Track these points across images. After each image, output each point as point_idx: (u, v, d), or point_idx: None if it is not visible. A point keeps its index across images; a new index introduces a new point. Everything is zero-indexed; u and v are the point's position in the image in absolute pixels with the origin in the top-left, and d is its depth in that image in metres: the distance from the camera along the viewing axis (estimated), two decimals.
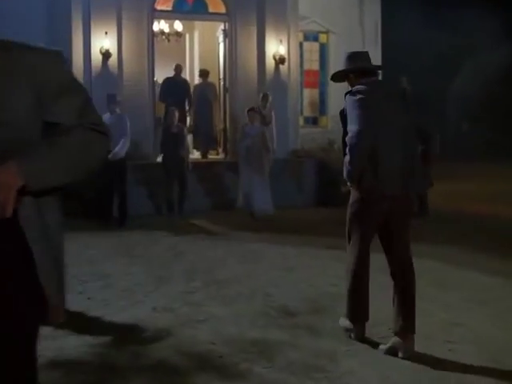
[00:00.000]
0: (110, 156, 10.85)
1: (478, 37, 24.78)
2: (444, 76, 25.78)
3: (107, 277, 8.15)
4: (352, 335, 5.62)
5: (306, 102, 19.20)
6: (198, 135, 16.21)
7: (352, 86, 5.52)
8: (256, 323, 6.12)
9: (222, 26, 16.45)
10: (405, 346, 5.21)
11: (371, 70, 5.63)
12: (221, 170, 14.75)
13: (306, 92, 19.10)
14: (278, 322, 6.18)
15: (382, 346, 5.38)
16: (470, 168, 21.86)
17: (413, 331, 5.28)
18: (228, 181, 14.31)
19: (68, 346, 5.57)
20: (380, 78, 6.08)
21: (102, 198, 12.31)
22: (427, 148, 6.54)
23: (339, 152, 15.55)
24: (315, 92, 19.45)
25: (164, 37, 17.77)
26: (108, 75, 14.45)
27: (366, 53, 5.74)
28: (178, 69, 16.25)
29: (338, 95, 18.31)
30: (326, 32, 19.28)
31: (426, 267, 8.38)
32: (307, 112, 19.16)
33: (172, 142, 12.87)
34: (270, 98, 14.67)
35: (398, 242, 5.41)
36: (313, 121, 19.35)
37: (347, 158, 5.31)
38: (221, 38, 16.69)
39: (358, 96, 5.28)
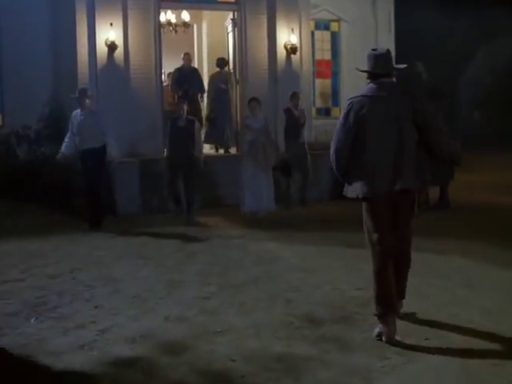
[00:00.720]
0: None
1: (495, 24, 24.17)
2: (458, 64, 25.14)
3: (116, 281, 7.65)
4: (384, 338, 5.44)
5: (317, 92, 18.58)
6: (215, 126, 15.47)
7: None
8: (278, 335, 5.60)
9: (230, 15, 15.87)
10: (386, 330, 5.42)
11: (379, 74, 5.79)
12: (232, 165, 14.21)
13: (318, 82, 18.48)
14: (302, 333, 5.65)
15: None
16: (484, 158, 21.17)
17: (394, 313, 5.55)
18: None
19: (74, 363, 5.07)
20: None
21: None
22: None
23: None
24: (327, 82, 18.87)
25: (171, 28, 17.24)
26: (114, 68, 13.90)
27: (387, 53, 5.91)
28: (186, 57, 15.63)
29: (351, 86, 18.17)
30: (338, 20, 18.70)
31: (454, 266, 7.91)
32: (319, 103, 18.56)
33: (180, 137, 11.68)
34: (301, 96, 13.82)
35: (402, 225, 5.76)
36: (325, 112, 18.77)
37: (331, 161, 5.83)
38: (230, 28, 16.12)
39: (347, 107, 5.74)
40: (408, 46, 20.31)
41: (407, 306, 5.98)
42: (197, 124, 12.03)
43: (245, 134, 11.99)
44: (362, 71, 5.90)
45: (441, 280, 7.29)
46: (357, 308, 6.29)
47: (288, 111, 13.45)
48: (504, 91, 25.63)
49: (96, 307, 6.60)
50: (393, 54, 6.12)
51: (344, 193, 5.80)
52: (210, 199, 13.10)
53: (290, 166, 12.99)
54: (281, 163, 12.57)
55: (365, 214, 5.70)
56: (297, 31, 15.50)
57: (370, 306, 5.86)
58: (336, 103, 18.87)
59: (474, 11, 23.16)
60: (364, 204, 5.68)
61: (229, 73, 15.77)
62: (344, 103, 18.38)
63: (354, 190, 5.63)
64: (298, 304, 6.49)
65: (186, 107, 12.03)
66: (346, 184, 5.76)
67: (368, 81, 5.85)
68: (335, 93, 18.88)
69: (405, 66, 6.07)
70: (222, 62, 15.58)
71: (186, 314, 6.27)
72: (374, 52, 5.90)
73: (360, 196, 5.60)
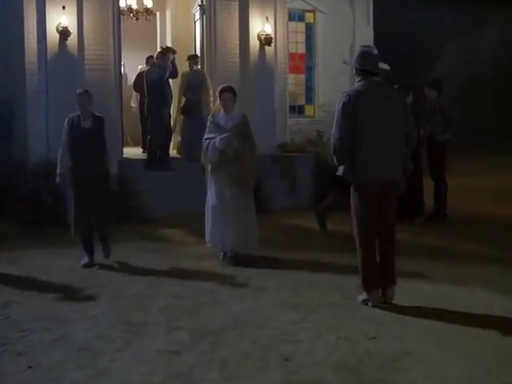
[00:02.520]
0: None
1: (478, 16, 23.05)
2: (431, 57, 23.91)
3: (59, 323, 6.04)
4: (369, 303, 6.29)
5: (290, 88, 17.00)
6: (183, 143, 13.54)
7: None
8: None
9: (198, 1, 14.32)
10: (372, 298, 6.31)
11: (369, 71, 6.32)
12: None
13: (291, 78, 16.83)
14: None
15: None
16: (466, 160, 19.81)
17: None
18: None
19: None
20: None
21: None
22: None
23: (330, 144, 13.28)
24: (301, 78, 17.31)
25: (132, 15, 15.61)
26: (67, 57, 12.23)
27: (374, 53, 6.39)
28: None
29: (326, 82, 16.65)
30: (313, 11, 17.13)
31: (482, 304, 6.42)
32: (292, 100, 16.96)
33: (84, 143, 8.27)
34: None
35: (387, 214, 6.39)
36: (298, 110, 17.22)
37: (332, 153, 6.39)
38: (197, 15, 14.56)
39: (344, 99, 6.21)
40: (387, 38, 18.95)
41: None
42: (104, 124, 8.48)
43: (210, 140, 8.43)
44: (359, 68, 6.36)
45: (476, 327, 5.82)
46: (377, 371, 4.76)
47: None
48: (481, 86, 24.43)
49: (30, 367, 4.98)
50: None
51: (342, 174, 6.23)
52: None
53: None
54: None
55: (355, 199, 6.31)
56: (272, 20, 14.02)
57: (393, 367, 4.46)
58: (310, 100, 17.35)
59: (456, 3, 21.95)
60: (355, 191, 6.29)
61: (203, 73, 13.80)
62: (319, 100, 17.07)
63: (351, 175, 6.22)
64: (299, 364, 4.94)
65: (91, 100, 8.71)
66: (343, 169, 6.21)
67: (358, 78, 6.35)
68: (309, 89, 17.36)
69: (387, 66, 6.61)
70: (195, 60, 13.72)
71: (150, 381, 4.70)
72: (368, 49, 6.45)
73: (355, 181, 6.24)
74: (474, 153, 18.87)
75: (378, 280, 6.32)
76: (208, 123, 8.60)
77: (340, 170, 6.23)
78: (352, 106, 6.14)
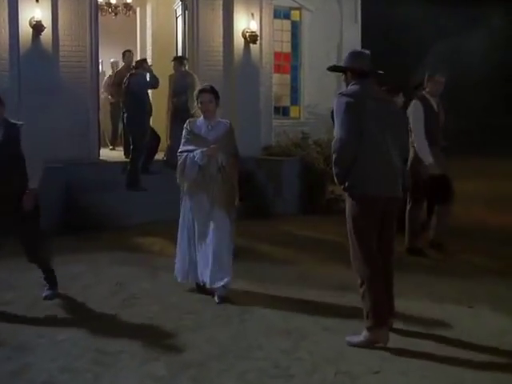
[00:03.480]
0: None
1: (465, 15, 22.60)
2: (419, 56, 23.44)
3: (22, 350, 5.37)
4: (380, 341, 5.32)
5: (275, 89, 16.37)
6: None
7: (347, 83, 5.71)
8: None
9: None
10: (380, 337, 5.31)
11: (367, 72, 5.65)
12: None
13: (276, 78, 16.17)
14: None
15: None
16: (452, 162, 19.27)
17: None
18: None
19: None
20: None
21: None
22: None
23: (316, 147, 12.65)
24: (286, 78, 16.70)
25: (110, 10, 14.92)
26: (40, 53, 11.54)
27: (369, 54, 5.77)
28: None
29: (312, 82, 16.04)
30: (299, 8, 16.55)
31: (494, 330, 5.82)
32: (277, 101, 16.31)
33: None
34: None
35: (389, 236, 5.63)
36: (283, 112, 16.60)
37: (333, 160, 5.53)
38: (179, 11, 13.90)
39: (346, 99, 5.45)
40: (375, 38, 18.41)
41: None
42: (21, 130, 6.68)
43: (186, 152, 6.87)
44: (353, 69, 5.66)
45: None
46: None
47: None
48: (468, 86, 23.99)
49: None
50: (359, 45, 5.78)
51: (343, 187, 5.54)
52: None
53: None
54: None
55: (355, 215, 5.47)
56: (257, 17, 13.39)
57: None
58: (296, 101, 16.76)
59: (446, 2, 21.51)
60: (357, 205, 5.45)
61: (191, 74, 12.68)
62: (305, 101, 16.47)
63: (355, 187, 5.46)
64: None
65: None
66: (348, 181, 5.49)
67: (353, 81, 5.65)
68: (295, 90, 16.76)
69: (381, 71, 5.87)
70: (180, 61, 12.94)
71: None
72: (362, 50, 5.90)
73: (358, 194, 5.45)
74: (460, 155, 18.31)
75: (387, 313, 5.46)
76: (184, 132, 6.89)
77: (349, 186, 5.47)
78: (356, 107, 5.39)
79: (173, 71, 12.78)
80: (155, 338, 5.66)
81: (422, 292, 6.92)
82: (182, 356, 5.22)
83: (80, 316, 6.32)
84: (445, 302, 6.57)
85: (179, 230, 7.03)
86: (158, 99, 13.35)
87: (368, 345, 5.29)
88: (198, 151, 6.72)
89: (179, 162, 6.86)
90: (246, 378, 4.78)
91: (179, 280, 7.03)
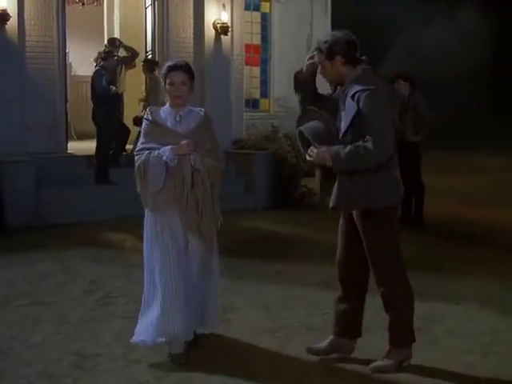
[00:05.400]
0: None
1: (435, 10, 22.63)
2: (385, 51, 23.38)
3: None
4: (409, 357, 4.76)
5: (245, 81, 16.18)
6: None
7: (333, 73, 4.72)
8: None
9: None
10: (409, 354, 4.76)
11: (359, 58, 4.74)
12: None
13: (246, 70, 15.97)
14: None
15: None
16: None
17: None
18: None
19: None
20: None
21: None
22: None
23: (286, 140, 12.44)
24: (256, 70, 16.51)
25: (78, 0, 14.60)
26: (5, 44, 11.21)
27: None
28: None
29: (282, 75, 15.86)
30: (269, 0, 16.37)
31: (484, 326, 5.68)
32: (247, 94, 16.12)
33: None
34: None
35: None
36: (253, 104, 16.40)
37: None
38: (148, 1, 13.66)
39: (380, 93, 4.56)
40: (345, 30, 18.28)
41: None
42: None
43: (143, 149, 4.99)
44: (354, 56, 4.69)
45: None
46: None
47: None
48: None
49: None
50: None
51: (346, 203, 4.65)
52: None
53: None
54: None
55: (382, 231, 4.65)
56: (228, 8, 13.20)
57: None
58: (265, 94, 16.59)
59: None
60: (383, 219, 4.63)
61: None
62: (275, 94, 16.28)
63: (376, 197, 4.58)
64: None
65: None
66: (349, 185, 4.59)
67: (359, 70, 4.65)
68: (264, 82, 16.58)
69: None
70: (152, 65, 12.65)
71: None
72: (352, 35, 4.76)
73: (384, 205, 4.62)
74: (431, 150, 18.31)
75: None
76: (143, 124, 5.10)
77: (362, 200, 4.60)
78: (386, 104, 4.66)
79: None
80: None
81: None
82: (165, 358, 4.99)
83: (54, 317, 6.05)
84: (430, 299, 6.41)
85: (146, 270, 5.12)
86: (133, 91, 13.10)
87: (400, 365, 4.75)
88: (166, 148, 4.86)
89: (138, 164, 4.93)
90: (232, 382, 4.57)
91: (156, 341, 5.03)
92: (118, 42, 12.41)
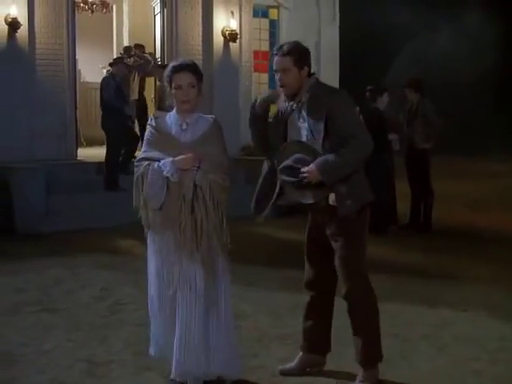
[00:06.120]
0: None
1: (441, 17, 22.61)
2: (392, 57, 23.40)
3: (7, 362, 5.15)
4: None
5: (253, 88, 16.26)
6: None
7: (297, 82, 4.53)
8: None
9: None
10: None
11: None
12: None
13: (254, 77, 16.07)
14: None
15: None
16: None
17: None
18: None
19: None
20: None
21: None
22: None
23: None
24: (264, 77, 16.55)
25: (87, 7, 14.70)
26: (16, 51, 11.43)
27: None
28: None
29: None
30: (277, 7, 16.45)
31: (493, 334, 5.71)
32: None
33: None
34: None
35: None
36: None
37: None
38: (157, 9, 13.76)
39: (347, 97, 4.60)
40: (353, 37, 18.37)
41: None
42: None
43: (143, 159, 4.50)
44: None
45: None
46: None
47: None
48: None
49: None
50: (337, 45, 4.90)
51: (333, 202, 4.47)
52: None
53: None
54: None
55: (363, 230, 4.62)
56: (237, 15, 13.29)
57: None
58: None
59: (423, 1, 21.49)
60: (363, 217, 4.59)
61: None
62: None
63: (363, 195, 4.55)
64: None
65: None
66: (346, 189, 4.44)
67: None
68: (273, 89, 16.60)
69: None
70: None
71: None
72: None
73: (362, 204, 4.55)
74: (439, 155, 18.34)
75: None
76: (147, 131, 4.62)
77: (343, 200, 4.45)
78: None
79: None
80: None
81: (414, 296, 6.80)
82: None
83: (65, 323, 6.11)
84: (438, 306, 6.44)
85: (149, 298, 4.67)
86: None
87: None
88: (167, 161, 4.36)
89: (136, 175, 4.47)
90: None
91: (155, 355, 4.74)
92: (132, 51, 12.47)
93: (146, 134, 4.63)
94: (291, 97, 4.55)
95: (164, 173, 4.32)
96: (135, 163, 4.51)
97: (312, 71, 4.63)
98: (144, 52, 13.29)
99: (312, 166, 4.38)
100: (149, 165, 4.38)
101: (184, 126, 4.48)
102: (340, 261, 4.56)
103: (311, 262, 4.86)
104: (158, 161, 4.37)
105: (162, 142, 4.46)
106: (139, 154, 4.61)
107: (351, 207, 4.46)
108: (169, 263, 4.42)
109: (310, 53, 4.65)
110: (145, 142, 4.58)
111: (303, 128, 4.52)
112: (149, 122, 4.62)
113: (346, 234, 4.52)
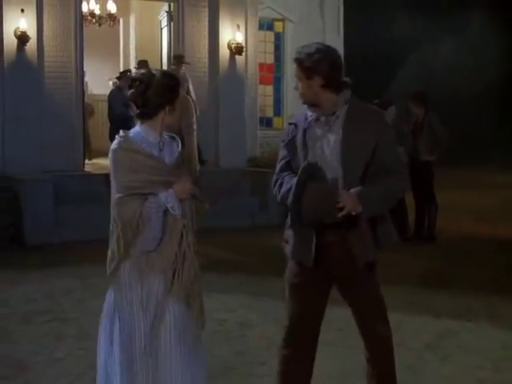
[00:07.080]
0: None
1: (447, 27, 22.77)
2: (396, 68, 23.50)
3: (22, 368, 5.28)
4: None
5: (259, 100, 16.39)
6: None
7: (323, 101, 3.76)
8: None
9: (165, 7, 13.62)
10: None
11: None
12: None
13: (259, 89, 16.22)
14: None
15: None
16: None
17: None
18: None
19: None
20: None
21: None
22: None
23: None
24: (269, 89, 16.73)
25: (94, 20, 14.85)
26: (25, 64, 11.54)
27: None
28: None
29: (295, 93, 16.05)
30: (282, 20, 16.63)
31: (496, 344, 5.82)
32: (260, 112, 16.33)
33: None
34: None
35: None
36: (267, 123, 16.60)
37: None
38: (164, 22, 13.90)
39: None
40: (358, 50, 18.49)
41: None
42: None
43: (130, 190, 3.78)
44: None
45: None
46: None
47: None
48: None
49: None
50: (342, 57, 3.93)
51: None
52: None
53: None
54: None
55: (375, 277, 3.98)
56: (242, 28, 13.42)
57: None
58: (279, 112, 16.78)
59: (426, 14, 21.63)
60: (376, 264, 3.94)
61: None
62: (288, 112, 16.46)
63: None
64: None
65: None
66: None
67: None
68: (278, 101, 16.78)
69: None
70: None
71: None
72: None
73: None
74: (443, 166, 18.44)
75: None
76: (118, 155, 3.82)
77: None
78: None
79: None
80: None
81: (418, 305, 6.90)
82: None
83: (76, 332, 6.22)
84: (442, 315, 6.54)
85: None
86: None
87: None
88: (169, 194, 3.73)
89: (125, 216, 3.88)
90: None
91: None
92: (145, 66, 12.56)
93: (116, 159, 3.79)
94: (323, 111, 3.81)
95: (170, 207, 3.70)
96: (117, 199, 3.83)
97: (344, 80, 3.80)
98: (148, 67, 13.38)
99: (350, 193, 3.65)
100: (145, 199, 3.71)
101: (161, 147, 3.84)
102: (372, 300, 4.02)
103: (301, 303, 4.13)
104: (153, 194, 3.72)
105: (148, 165, 3.76)
106: (118, 186, 3.83)
107: (372, 252, 3.87)
108: (144, 313, 3.86)
109: (331, 59, 3.71)
110: (121, 168, 3.77)
111: (322, 144, 3.82)
112: (117, 144, 3.81)
113: (368, 279, 3.97)
